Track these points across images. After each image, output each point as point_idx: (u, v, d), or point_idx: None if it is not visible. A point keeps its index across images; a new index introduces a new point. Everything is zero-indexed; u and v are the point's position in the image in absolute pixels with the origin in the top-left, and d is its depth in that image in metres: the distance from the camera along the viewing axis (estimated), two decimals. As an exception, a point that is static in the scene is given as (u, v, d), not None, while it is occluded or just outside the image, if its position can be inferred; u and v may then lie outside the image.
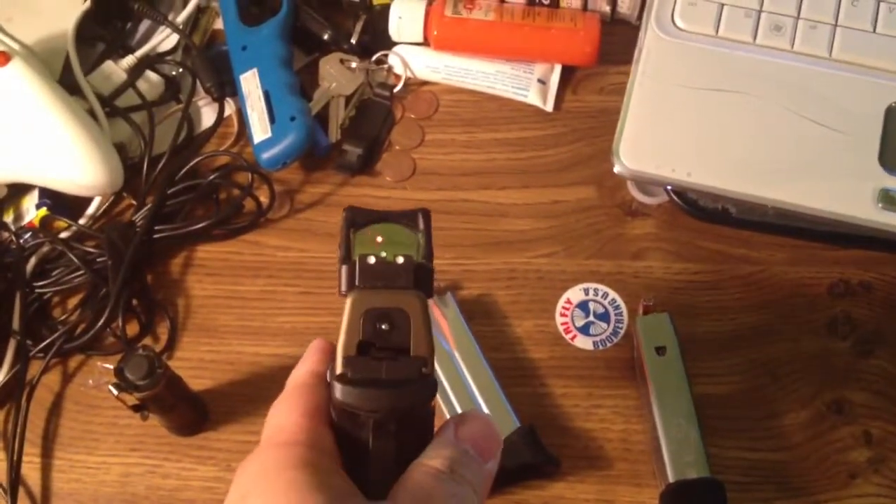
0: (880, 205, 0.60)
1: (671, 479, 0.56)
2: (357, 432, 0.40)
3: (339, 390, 0.39)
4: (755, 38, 0.65)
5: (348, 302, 0.40)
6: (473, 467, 0.40)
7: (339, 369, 0.39)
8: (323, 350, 0.45)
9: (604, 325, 0.64)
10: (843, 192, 0.60)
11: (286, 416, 0.41)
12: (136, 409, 0.58)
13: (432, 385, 0.40)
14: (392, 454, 0.39)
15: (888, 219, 0.60)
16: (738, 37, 0.65)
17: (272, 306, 0.67)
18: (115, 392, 0.56)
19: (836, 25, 0.65)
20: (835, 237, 0.64)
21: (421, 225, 0.43)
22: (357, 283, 0.41)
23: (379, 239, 0.42)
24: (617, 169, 0.63)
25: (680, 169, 0.62)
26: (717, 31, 0.65)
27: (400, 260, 0.41)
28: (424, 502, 0.37)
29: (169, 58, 0.75)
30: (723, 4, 0.66)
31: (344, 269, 0.41)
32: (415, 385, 0.39)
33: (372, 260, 0.41)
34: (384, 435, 0.39)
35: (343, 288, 0.41)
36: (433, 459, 0.39)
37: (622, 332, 0.64)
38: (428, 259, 0.42)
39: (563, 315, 0.64)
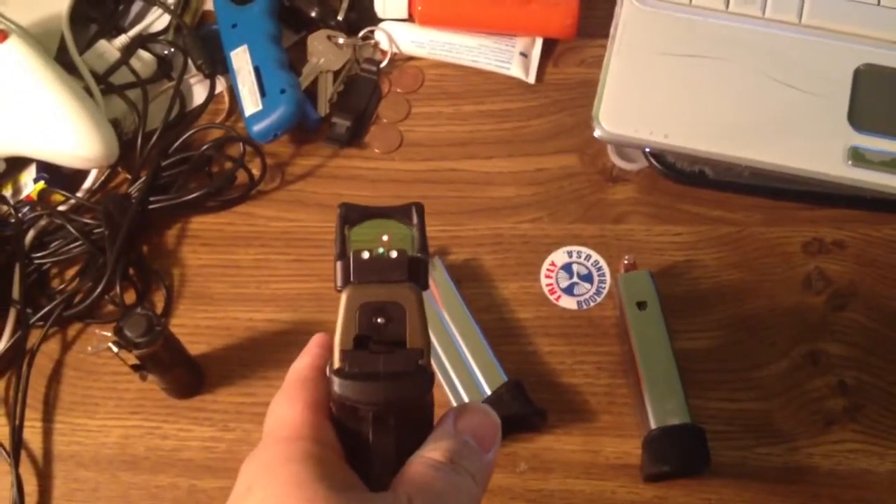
0: (850, 162, 0.62)
1: (653, 425, 0.58)
2: (357, 426, 0.40)
3: (337, 384, 0.39)
4: (728, 5, 0.67)
5: (344, 297, 0.41)
6: (473, 458, 0.40)
7: (336, 364, 0.40)
8: (323, 344, 0.45)
9: (587, 285, 0.66)
10: (815, 150, 0.63)
11: (288, 409, 0.41)
12: (135, 368, 0.60)
13: (429, 377, 0.40)
14: (392, 446, 0.40)
15: (858, 175, 0.62)
16: (711, 4, 0.67)
17: (265, 274, 0.68)
18: (114, 349, 0.57)
19: (805, -8, 0.67)
20: (809, 196, 0.66)
21: (414, 219, 0.43)
22: (352, 278, 0.41)
23: (373, 234, 0.42)
24: (597, 133, 0.65)
25: (657, 131, 0.64)
26: (690, 0, 0.68)
27: (394, 254, 0.41)
28: (425, 493, 0.38)
29: (161, 37, 0.76)
30: (696, -27, 0.68)
31: (339, 265, 0.41)
32: (412, 377, 0.40)
33: (366, 255, 0.41)
34: (384, 427, 0.40)
35: (339, 283, 0.41)
36: (433, 451, 0.40)
37: (605, 292, 0.66)
38: (422, 252, 0.42)
39: (547, 277, 0.66)
